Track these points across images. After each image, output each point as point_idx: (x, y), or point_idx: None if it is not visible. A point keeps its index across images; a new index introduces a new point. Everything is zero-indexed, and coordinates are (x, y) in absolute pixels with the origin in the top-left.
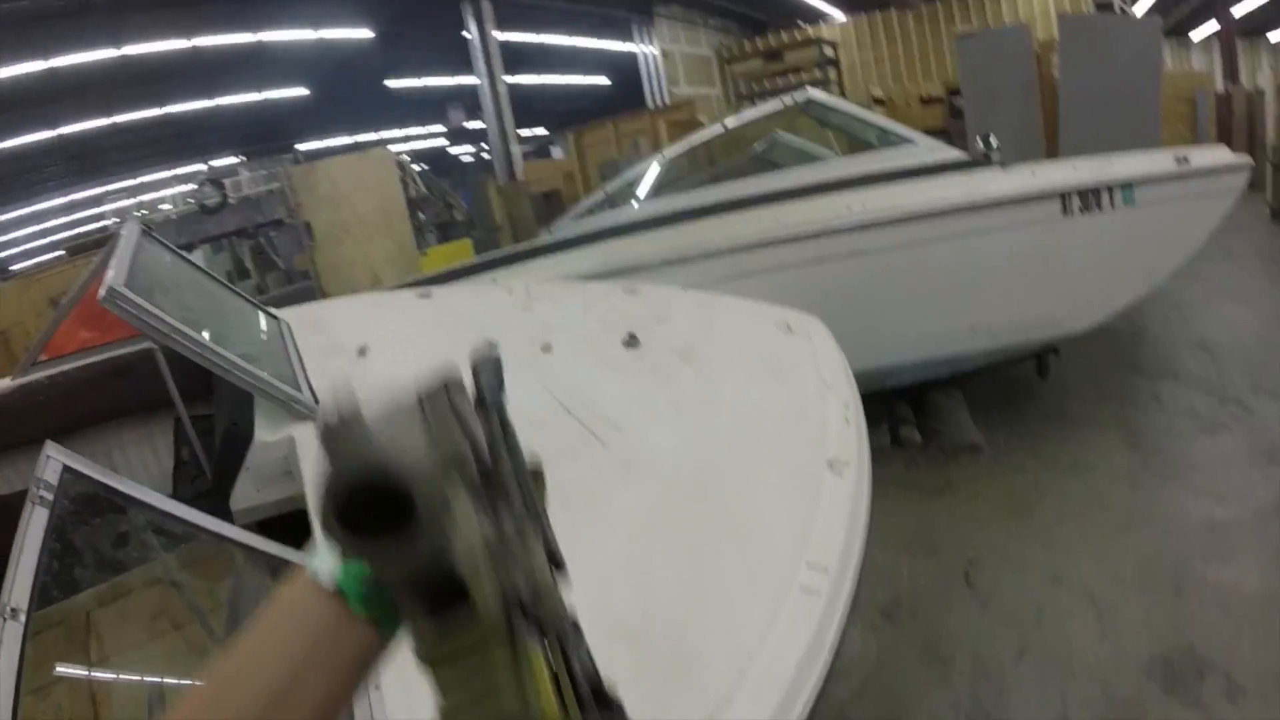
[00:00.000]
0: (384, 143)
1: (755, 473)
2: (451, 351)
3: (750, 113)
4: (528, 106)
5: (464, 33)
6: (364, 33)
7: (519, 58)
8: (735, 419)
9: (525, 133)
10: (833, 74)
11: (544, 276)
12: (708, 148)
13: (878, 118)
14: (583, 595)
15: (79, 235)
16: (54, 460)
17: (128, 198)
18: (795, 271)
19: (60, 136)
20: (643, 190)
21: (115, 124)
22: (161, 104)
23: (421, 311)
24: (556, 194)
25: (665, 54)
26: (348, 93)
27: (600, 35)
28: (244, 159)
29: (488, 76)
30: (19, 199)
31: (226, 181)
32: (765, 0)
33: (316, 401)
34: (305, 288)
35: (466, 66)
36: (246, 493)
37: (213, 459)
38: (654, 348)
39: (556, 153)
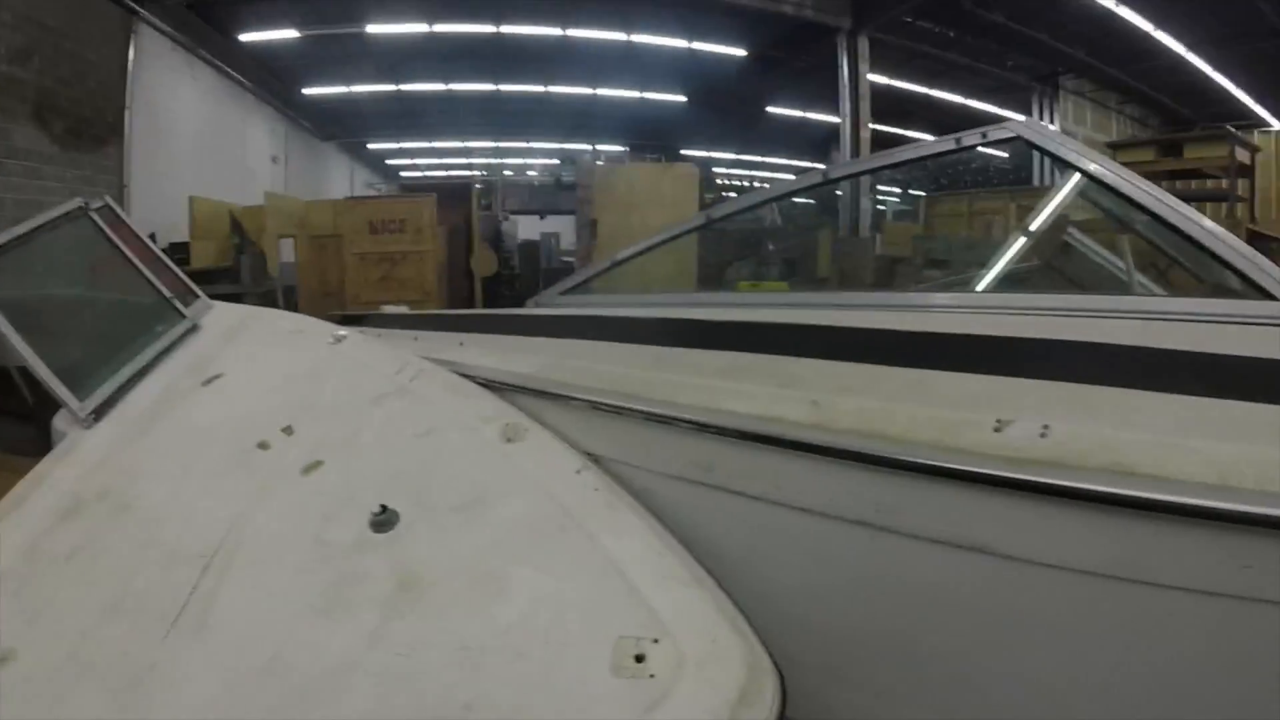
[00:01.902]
0: (764, 166)
1: None
2: (263, 414)
3: (881, 158)
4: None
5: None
6: (737, 51)
7: (896, 106)
8: None
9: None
10: (1242, 187)
11: (489, 361)
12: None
13: (1197, 219)
14: None
15: (467, 176)
16: None
17: (512, 158)
18: (809, 525)
19: (450, 90)
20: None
21: (500, 91)
22: (545, 84)
23: (308, 356)
24: (903, 261)
25: (1067, 135)
26: (724, 109)
27: (997, 101)
28: (628, 150)
29: (850, 118)
30: (423, 133)
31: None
32: (1189, 91)
33: (96, 415)
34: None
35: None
36: None
37: None
38: (397, 549)
39: None
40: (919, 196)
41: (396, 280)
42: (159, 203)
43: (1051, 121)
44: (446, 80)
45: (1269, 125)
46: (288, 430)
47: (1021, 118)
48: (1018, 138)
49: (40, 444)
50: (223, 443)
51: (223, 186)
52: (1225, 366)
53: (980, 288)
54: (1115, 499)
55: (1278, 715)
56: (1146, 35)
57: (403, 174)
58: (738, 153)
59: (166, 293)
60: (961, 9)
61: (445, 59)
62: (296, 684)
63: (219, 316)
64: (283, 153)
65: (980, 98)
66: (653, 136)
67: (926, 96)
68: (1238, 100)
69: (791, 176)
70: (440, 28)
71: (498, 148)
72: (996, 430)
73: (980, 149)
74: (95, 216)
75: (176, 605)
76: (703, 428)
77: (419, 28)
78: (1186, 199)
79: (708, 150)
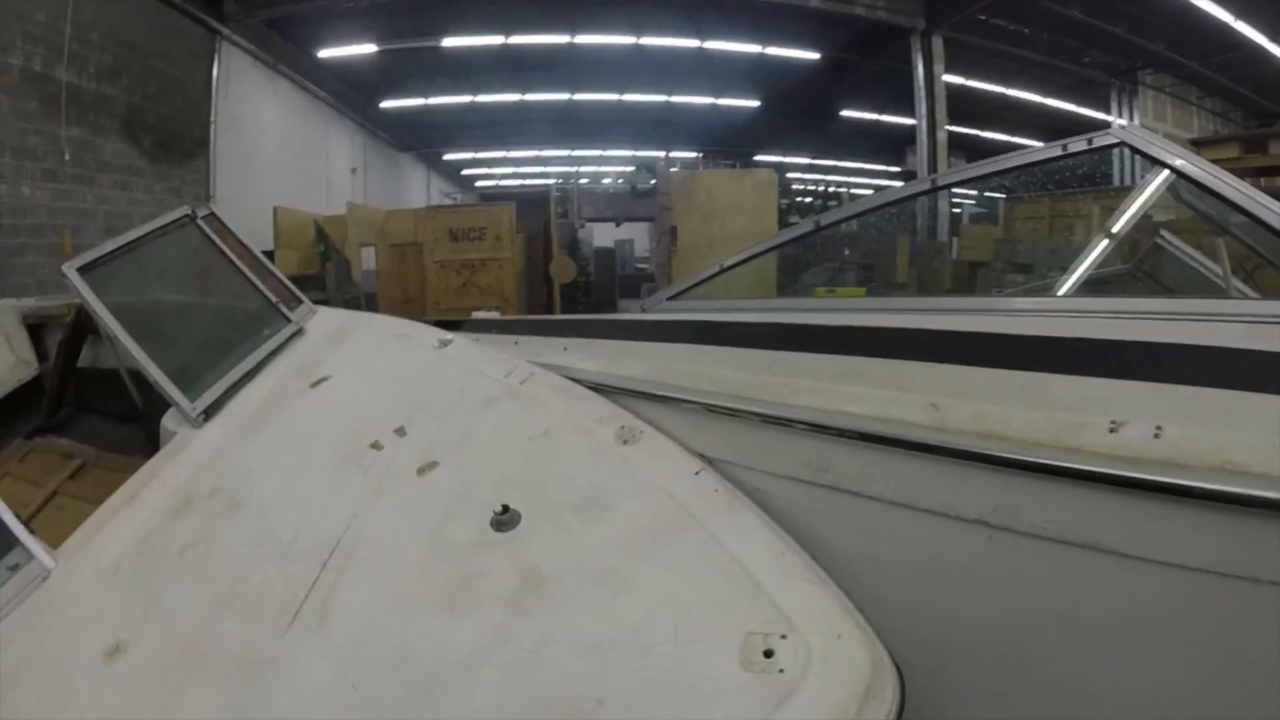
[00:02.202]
0: (838, 171)
1: None
2: (373, 416)
3: (992, 163)
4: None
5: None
6: (810, 55)
7: (972, 107)
8: None
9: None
10: None
11: (596, 366)
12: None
13: None
14: None
15: (541, 184)
16: None
17: (585, 165)
18: (926, 525)
19: (524, 100)
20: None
21: (574, 100)
22: (619, 92)
23: (414, 359)
24: (983, 266)
25: (1147, 131)
26: (798, 113)
27: (1075, 98)
28: (702, 156)
29: (927, 119)
30: (498, 143)
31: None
32: (1272, 84)
33: (206, 416)
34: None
35: None
36: None
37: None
38: (519, 548)
39: None
40: (997, 199)
41: (476, 287)
42: (244, 213)
43: (1131, 118)
44: (522, 90)
45: None
46: (400, 431)
47: (1119, 121)
48: (1121, 143)
49: (149, 444)
50: (334, 443)
51: (304, 197)
52: None
53: (1069, 291)
54: (1228, 497)
55: None
56: (1227, 27)
57: (478, 183)
58: (812, 157)
59: (272, 297)
60: (1038, 5)
61: (519, 69)
62: (423, 677)
63: (323, 320)
64: (362, 164)
65: (1058, 95)
66: (726, 142)
67: (1003, 96)
68: None
69: (867, 180)
70: (515, 39)
71: (572, 156)
72: (1112, 431)
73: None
74: (202, 224)
75: (296, 600)
76: (822, 429)
77: (495, 40)
78: (1275, 195)
79: (781, 155)
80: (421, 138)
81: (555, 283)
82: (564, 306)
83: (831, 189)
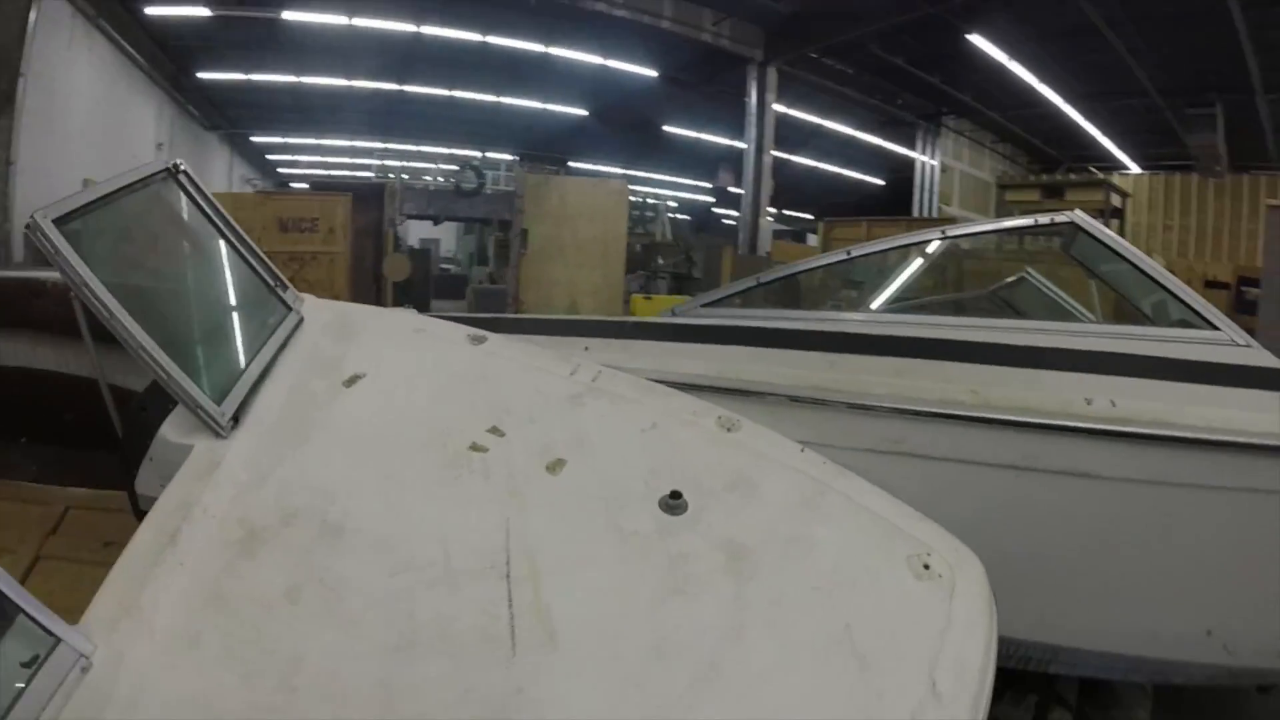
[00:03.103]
0: (652, 183)
1: None
2: (448, 418)
3: (982, 224)
4: (798, 187)
5: (745, 97)
6: (648, 72)
7: (797, 136)
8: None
9: (792, 213)
10: (1114, 227)
11: (637, 365)
12: (928, 261)
13: (1174, 281)
14: None
15: (352, 176)
16: None
17: (402, 160)
18: (977, 472)
19: (351, 87)
20: (809, 295)
21: (402, 91)
22: (450, 88)
23: (455, 357)
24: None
25: (945, 168)
26: (624, 125)
27: (884, 134)
28: (519, 159)
29: (755, 144)
30: (311, 129)
31: (488, 173)
32: (1057, 135)
33: (235, 421)
34: (499, 291)
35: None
36: (149, 482)
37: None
38: (701, 527)
39: (812, 240)
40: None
41: (305, 282)
42: (48, 183)
43: (933, 155)
44: (350, 76)
45: (1127, 168)
46: (495, 431)
47: (931, 161)
48: (1071, 223)
49: (122, 468)
50: (420, 448)
51: (108, 172)
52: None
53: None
54: (1163, 439)
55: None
56: (1030, 87)
57: (280, 170)
58: (626, 167)
59: (268, 280)
60: (867, 50)
61: (354, 54)
62: (698, 660)
63: (312, 310)
64: (169, 140)
65: (869, 130)
66: (544, 147)
67: (818, 126)
68: (1101, 145)
69: (679, 194)
70: (359, 22)
71: (387, 149)
72: (1088, 404)
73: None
74: (185, 181)
75: (501, 624)
76: (901, 412)
77: (338, 20)
78: None
79: (598, 164)
80: (230, 117)
81: (388, 280)
82: (393, 305)
83: (649, 200)
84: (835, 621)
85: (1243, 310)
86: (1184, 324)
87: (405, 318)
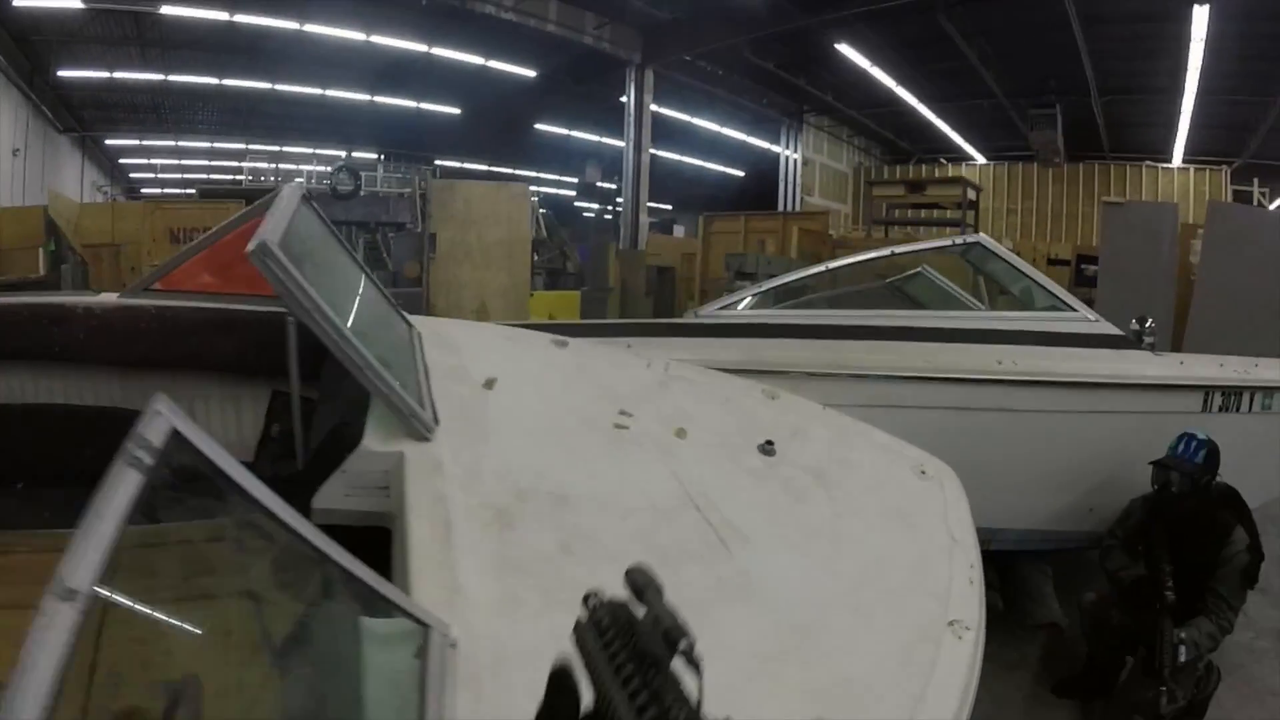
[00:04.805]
0: (517, 179)
1: (873, 621)
2: (584, 406)
3: (919, 245)
4: (659, 181)
5: (621, 98)
6: (526, 72)
7: (665, 131)
8: (860, 558)
9: (651, 205)
10: (970, 217)
11: (682, 357)
12: (856, 268)
13: (1046, 280)
14: None
15: (210, 180)
16: (163, 419)
17: (267, 161)
18: (935, 414)
19: (221, 86)
20: (791, 295)
21: (275, 90)
22: (324, 86)
23: (555, 358)
24: (671, 271)
25: (806, 162)
26: (496, 124)
27: (749, 130)
28: (383, 158)
29: (634, 144)
30: (169, 130)
31: (363, 174)
32: (911, 129)
33: (436, 422)
34: (413, 295)
35: (612, 129)
36: (334, 494)
37: (307, 445)
38: (788, 461)
39: (678, 230)
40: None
41: None
42: None
43: (795, 149)
44: (221, 75)
45: (974, 159)
46: (624, 413)
47: (794, 155)
48: (978, 243)
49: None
50: (582, 430)
51: None
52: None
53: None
54: (1046, 382)
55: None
56: (889, 89)
57: (133, 175)
58: (491, 164)
59: (386, 292)
60: (740, 54)
61: (225, 50)
62: (828, 534)
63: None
64: (24, 145)
65: (736, 128)
66: (410, 145)
67: (687, 123)
68: (951, 139)
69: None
70: (241, 18)
71: (248, 150)
72: (999, 364)
73: None
74: (314, 205)
75: (711, 534)
76: (884, 377)
77: (218, 15)
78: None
79: (463, 161)
80: (83, 119)
81: None
82: None
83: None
84: (888, 505)
85: (1082, 284)
86: (1053, 308)
87: (489, 328)
